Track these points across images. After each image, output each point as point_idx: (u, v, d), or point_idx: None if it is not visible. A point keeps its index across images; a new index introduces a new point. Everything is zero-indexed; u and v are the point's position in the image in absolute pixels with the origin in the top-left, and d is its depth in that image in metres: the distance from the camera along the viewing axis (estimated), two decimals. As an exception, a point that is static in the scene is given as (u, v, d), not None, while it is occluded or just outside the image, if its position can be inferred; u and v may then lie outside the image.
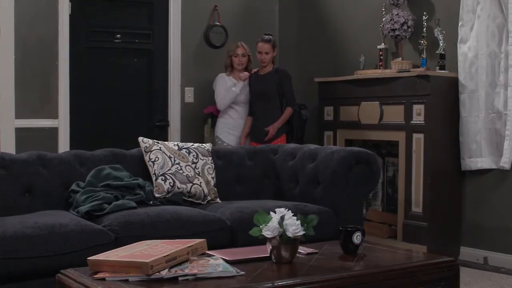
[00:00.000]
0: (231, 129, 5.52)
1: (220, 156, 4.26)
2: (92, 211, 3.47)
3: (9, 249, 2.94)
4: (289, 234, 2.61)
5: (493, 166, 4.68)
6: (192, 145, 4.13)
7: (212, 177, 4.05)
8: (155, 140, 4.05)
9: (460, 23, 4.82)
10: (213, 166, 4.11)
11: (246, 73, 5.45)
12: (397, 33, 5.16)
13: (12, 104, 5.08)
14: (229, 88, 5.45)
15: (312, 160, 4.16)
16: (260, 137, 5.30)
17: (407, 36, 5.20)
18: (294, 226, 2.62)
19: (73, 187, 3.69)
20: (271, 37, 5.44)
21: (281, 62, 6.32)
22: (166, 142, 4.08)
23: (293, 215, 2.67)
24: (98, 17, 5.58)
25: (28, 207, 3.58)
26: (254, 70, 5.52)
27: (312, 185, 4.09)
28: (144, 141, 4.00)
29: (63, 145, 5.29)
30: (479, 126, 4.70)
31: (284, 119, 5.33)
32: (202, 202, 3.97)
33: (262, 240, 2.70)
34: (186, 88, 5.92)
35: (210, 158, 4.12)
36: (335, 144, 5.42)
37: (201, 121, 5.92)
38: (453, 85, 4.82)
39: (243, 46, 5.50)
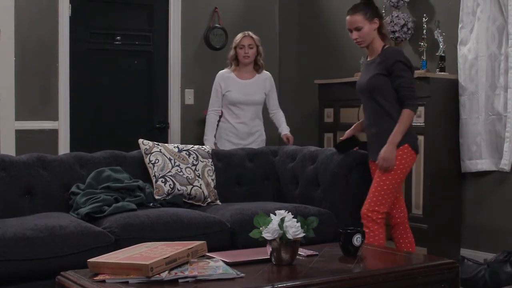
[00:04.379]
0: (228, 135, 4.81)
1: (220, 158, 4.26)
2: (92, 213, 3.47)
3: (9, 250, 2.95)
4: (289, 236, 2.61)
5: (493, 168, 4.68)
6: (192, 147, 4.14)
7: (212, 179, 4.05)
8: (155, 142, 4.05)
9: (460, 25, 4.82)
10: (213, 168, 4.11)
11: None
12: (397, 35, 5.16)
13: (12, 106, 5.08)
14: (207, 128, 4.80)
15: (312, 162, 4.16)
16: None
17: (407, 38, 5.20)
18: (294, 228, 2.62)
19: (73, 189, 3.69)
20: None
21: (281, 63, 6.33)
22: (166, 144, 4.08)
23: (293, 217, 2.67)
24: (98, 18, 5.59)
25: (28, 209, 3.59)
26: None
27: (312, 187, 4.09)
28: (144, 143, 4.00)
29: (63, 147, 5.29)
30: (479, 128, 4.70)
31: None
32: (202, 204, 3.97)
33: (262, 242, 2.70)
34: (186, 90, 5.92)
35: (210, 160, 4.12)
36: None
37: (201, 123, 5.91)
38: (453, 87, 4.82)
39: (250, 35, 4.78)
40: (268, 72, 4.92)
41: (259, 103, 4.84)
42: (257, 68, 4.84)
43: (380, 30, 3.79)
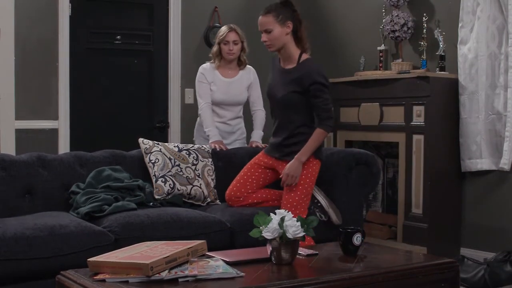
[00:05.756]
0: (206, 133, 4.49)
1: (220, 158, 4.26)
2: (92, 212, 3.47)
3: (9, 250, 2.95)
4: (289, 235, 2.61)
5: (493, 168, 4.68)
6: (192, 146, 4.14)
7: (212, 179, 4.05)
8: (155, 141, 4.05)
9: (460, 24, 4.82)
10: (213, 168, 4.11)
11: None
12: (397, 34, 5.16)
13: (12, 105, 5.07)
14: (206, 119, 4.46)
15: (312, 161, 4.15)
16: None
17: (407, 38, 5.20)
18: (294, 228, 2.62)
19: (73, 188, 3.69)
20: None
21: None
22: (166, 144, 4.08)
23: (293, 217, 2.67)
24: (98, 18, 5.58)
25: (28, 208, 3.58)
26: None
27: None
28: (144, 142, 4.00)
29: (63, 146, 5.29)
30: (479, 128, 4.70)
31: None
32: (202, 204, 3.97)
33: (262, 242, 2.70)
34: (186, 89, 5.92)
35: (210, 159, 4.12)
36: (335, 145, 5.43)
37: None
38: (453, 86, 4.82)
39: (235, 30, 4.46)
40: (251, 67, 4.64)
41: (242, 103, 4.61)
42: (240, 63, 4.55)
43: (296, 34, 3.65)
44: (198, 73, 4.56)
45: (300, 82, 3.60)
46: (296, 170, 3.59)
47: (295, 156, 3.62)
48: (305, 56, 3.69)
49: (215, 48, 4.50)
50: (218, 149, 4.26)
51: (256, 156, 3.93)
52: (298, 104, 3.66)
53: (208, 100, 4.50)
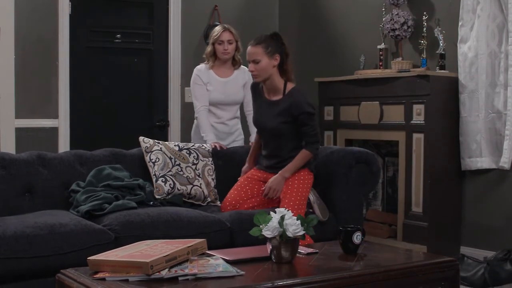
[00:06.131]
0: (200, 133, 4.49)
1: (220, 157, 4.25)
2: (92, 210, 3.47)
3: (9, 248, 2.95)
4: (289, 234, 2.61)
5: (493, 166, 4.68)
6: (193, 145, 4.13)
7: (212, 179, 4.05)
8: (156, 140, 4.04)
9: (460, 23, 4.82)
10: (214, 167, 4.10)
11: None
12: (397, 33, 5.16)
13: (12, 104, 5.08)
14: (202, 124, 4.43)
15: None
16: None
17: (407, 36, 5.20)
18: (294, 226, 2.62)
19: (73, 187, 3.69)
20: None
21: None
22: (166, 143, 4.08)
23: (293, 215, 2.67)
24: (98, 17, 5.58)
25: (28, 207, 3.58)
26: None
27: (312, 185, 4.09)
28: (145, 141, 4.00)
29: (63, 145, 5.30)
30: (479, 126, 4.70)
31: None
32: (202, 204, 3.97)
33: (262, 241, 2.70)
34: (186, 88, 5.91)
35: (211, 159, 4.12)
36: (335, 144, 5.42)
37: (201, 121, 5.91)
38: (453, 85, 4.82)
39: (229, 30, 4.42)
40: (245, 67, 4.49)
41: (239, 102, 4.57)
42: (235, 63, 4.51)
43: (281, 67, 3.76)
44: (193, 75, 4.51)
45: (289, 112, 3.71)
46: (278, 184, 3.70)
47: (279, 172, 3.74)
48: (290, 86, 3.79)
49: (209, 49, 4.46)
50: (218, 148, 4.26)
51: (248, 172, 3.98)
52: (288, 133, 3.79)
53: (205, 102, 4.47)
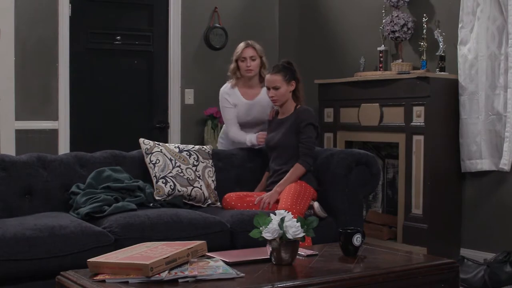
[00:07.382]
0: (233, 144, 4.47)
1: (220, 158, 4.26)
2: (92, 212, 3.47)
3: (9, 250, 2.95)
4: (289, 236, 2.61)
5: (493, 168, 4.68)
6: (193, 147, 4.13)
7: (212, 180, 4.05)
8: (156, 142, 4.05)
9: (460, 25, 4.82)
10: (214, 169, 4.10)
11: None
12: (397, 34, 5.16)
13: (12, 106, 5.08)
14: (241, 135, 4.35)
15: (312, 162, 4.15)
16: None
17: (407, 38, 5.20)
18: (294, 228, 2.62)
19: (73, 189, 3.69)
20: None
21: (281, 63, 6.32)
22: (167, 144, 4.08)
23: (293, 217, 2.67)
24: (98, 18, 5.59)
25: (28, 209, 3.58)
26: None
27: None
28: (145, 143, 4.00)
29: (63, 146, 5.29)
30: (479, 128, 4.70)
31: None
32: (202, 205, 3.97)
33: (262, 243, 2.70)
34: (186, 89, 5.92)
35: (211, 160, 4.12)
36: (335, 146, 5.42)
37: (201, 122, 5.92)
38: (453, 87, 4.82)
39: (252, 46, 4.30)
40: None
41: (264, 121, 4.34)
42: (262, 80, 4.30)
43: (294, 92, 4.07)
44: (221, 97, 4.39)
45: (296, 125, 3.99)
46: (270, 197, 3.86)
47: (274, 187, 3.91)
48: (299, 106, 4.10)
49: (232, 66, 4.33)
50: (263, 142, 4.22)
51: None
52: (296, 146, 3.98)
53: (236, 124, 4.38)
